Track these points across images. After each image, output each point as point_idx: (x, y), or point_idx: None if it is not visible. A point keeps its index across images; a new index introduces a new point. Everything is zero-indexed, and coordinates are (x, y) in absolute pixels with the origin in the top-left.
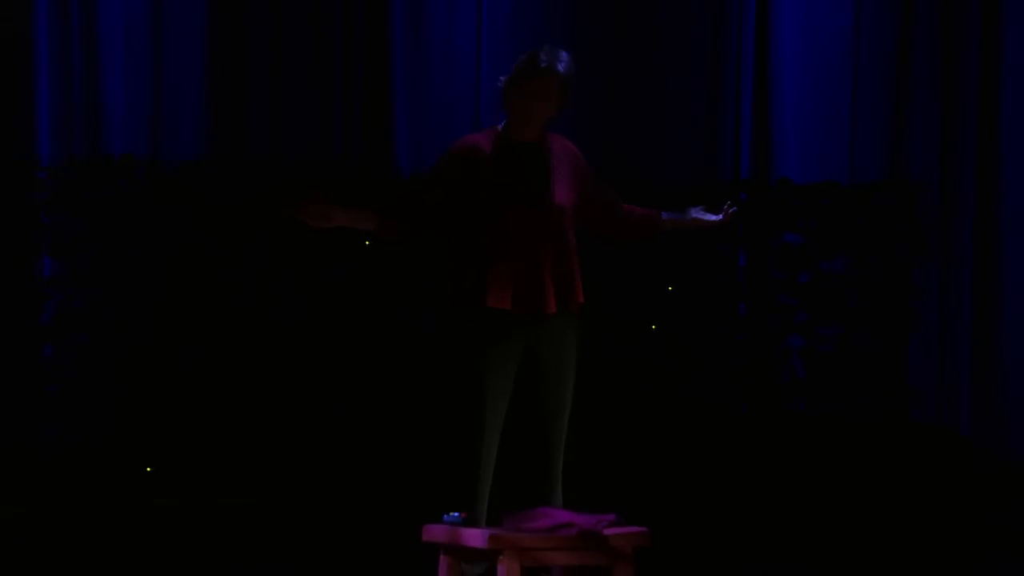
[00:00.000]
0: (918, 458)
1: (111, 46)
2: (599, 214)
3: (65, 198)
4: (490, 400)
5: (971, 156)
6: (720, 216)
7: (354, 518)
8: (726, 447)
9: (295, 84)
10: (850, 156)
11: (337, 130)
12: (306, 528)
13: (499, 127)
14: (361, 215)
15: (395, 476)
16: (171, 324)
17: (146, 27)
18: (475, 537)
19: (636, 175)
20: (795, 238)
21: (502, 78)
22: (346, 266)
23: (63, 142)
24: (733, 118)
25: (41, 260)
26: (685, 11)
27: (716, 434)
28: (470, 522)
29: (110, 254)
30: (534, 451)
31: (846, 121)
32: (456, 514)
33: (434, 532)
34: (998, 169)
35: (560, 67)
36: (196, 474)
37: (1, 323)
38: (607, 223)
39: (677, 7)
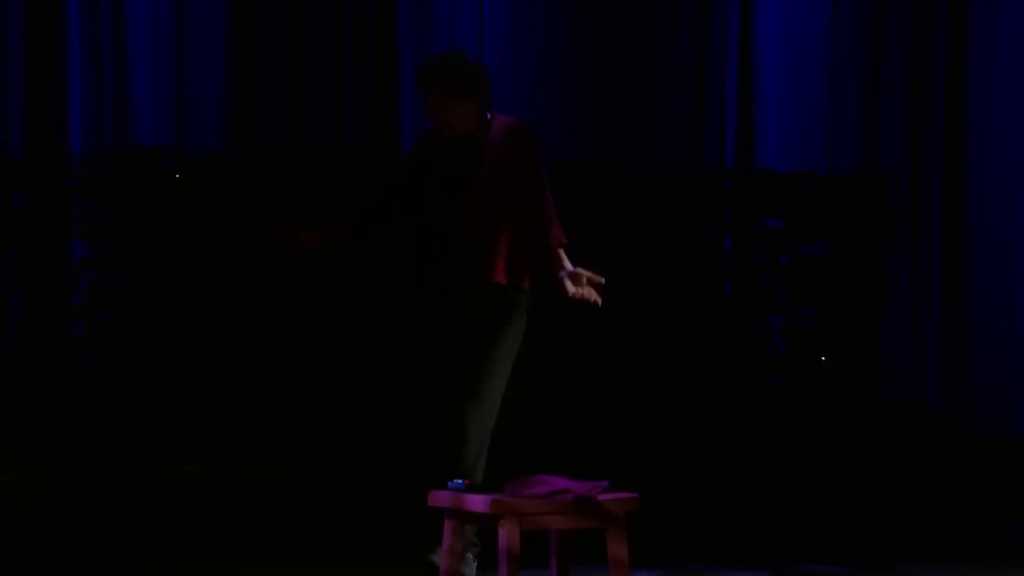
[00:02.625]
0: (890, 430)
1: (138, 45)
2: (519, 206)
3: (96, 186)
4: (417, 376)
5: (939, 147)
6: (571, 291)
7: (366, 485)
8: (711, 419)
9: (309, 81)
10: (827, 147)
11: (348, 124)
12: (322, 494)
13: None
14: (331, 232)
15: (404, 446)
16: (194, 303)
17: (171, 27)
18: (478, 503)
19: (628, 165)
20: (776, 224)
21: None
22: (356, 249)
23: (94, 134)
24: (718, 111)
25: (73, 244)
26: (673, 11)
27: (702, 407)
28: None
29: (138, 238)
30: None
31: (823, 115)
32: (460, 481)
33: (439, 498)
34: (965, 160)
35: (436, 75)
36: (218, 443)
37: (37, 303)
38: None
39: (665, 7)
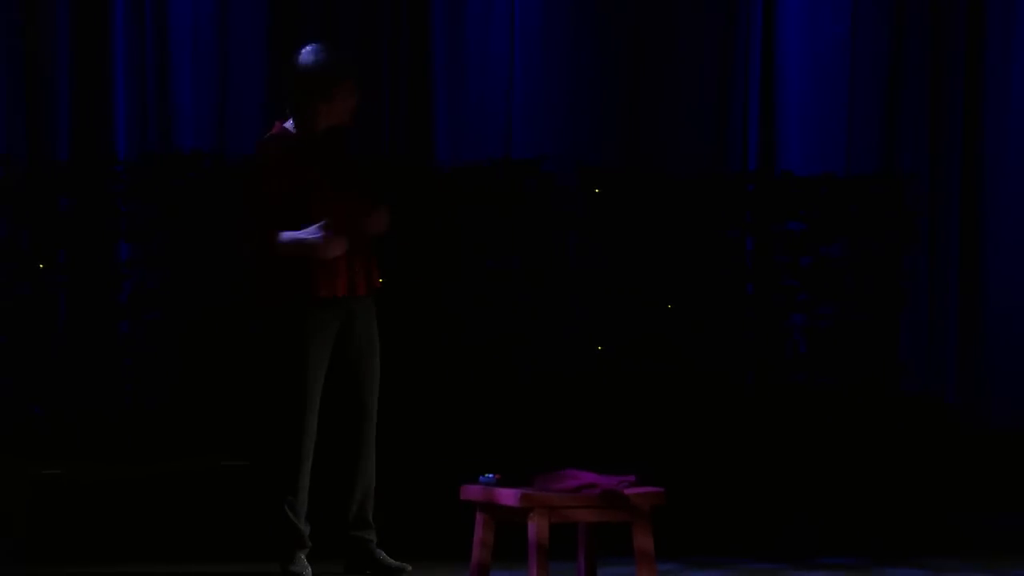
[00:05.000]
0: (908, 424)
1: (181, 52)
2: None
3: (140, 189)
4: (311, 385)
5: (957, 150)
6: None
7: (401, 479)
8: (734, 416)
9: None
10: (847, 150)
11: (384, 126)
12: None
13: (287, 124)
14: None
15: (436, 441)
16: (235, 301)
17: (213, 34)
18: (508, 496)
19: (654, 169)
20: (797, 225)
21: (299, 71)
22: (384, 246)
23: (138, 138)
24: (741, 116)
25: (119, 245)
26: (698, 19)
27: (725, 404)
28: (294, 512)
29: (180, 239)
30: (346, 423)
31: (843, 119)
32: (491, 475)
33: (471, 492)
34: (982, 162)
35: (355, 66)
36: (258, 439)
37: (84, 302)
38: None
39: (691, 16)
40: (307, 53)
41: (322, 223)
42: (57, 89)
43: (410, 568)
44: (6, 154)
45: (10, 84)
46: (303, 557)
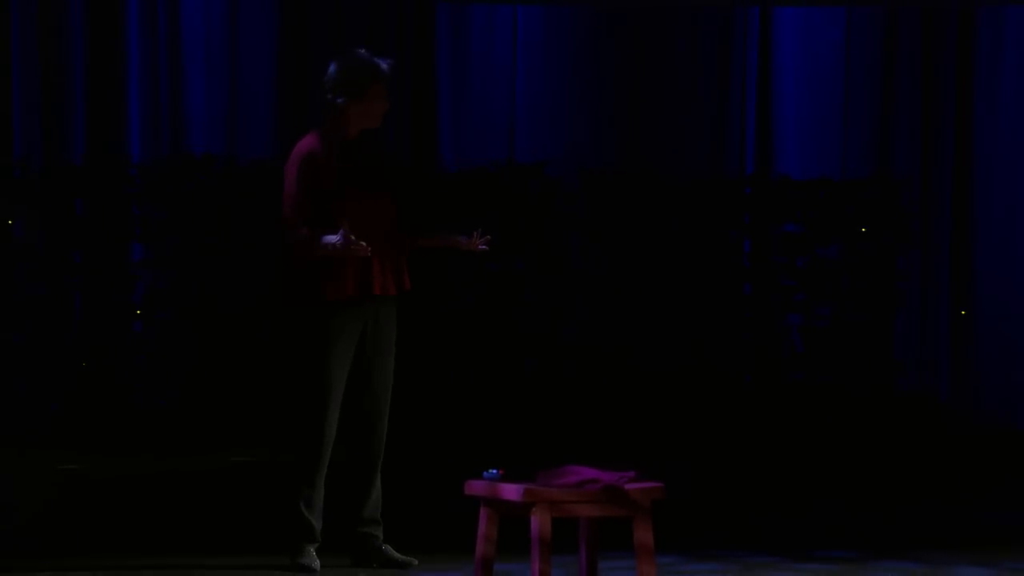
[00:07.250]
0: (902, 422)
1: (193, 60)
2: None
3: (153, 192)
4: (334, 382)
5: (949, 155)
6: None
7: (406, 474)
8: (733, 413)
9: None
10: (842, 155)
11: (390, 130)
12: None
13: (321, 131)
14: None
15: (441, 437)
16: (244, 302)
17: (223, 43)
18: (511, 492)
19: (655, 172)
20: (794, 227)
21: (333, 74)
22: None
23: (151, 143)
24: (739, 122)
25: (132, 246)
26: (696, 27)
27: (724, 401)
28: (309, 507)
29: (192, 241)
30: (362, 422)
31: (839, 124)
32: (495, 471)
33: (475, 487)
34: (972, 167)
35: (388, 69)
36: (266, 435)
37: (98, 301)
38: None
39: (690, 24)
40: (342, 57)
41: (343, 231)
42: (73, 94)
43: (416, 562)
44: (23, 157)
45: (27, 89)
46: (312, 550)
